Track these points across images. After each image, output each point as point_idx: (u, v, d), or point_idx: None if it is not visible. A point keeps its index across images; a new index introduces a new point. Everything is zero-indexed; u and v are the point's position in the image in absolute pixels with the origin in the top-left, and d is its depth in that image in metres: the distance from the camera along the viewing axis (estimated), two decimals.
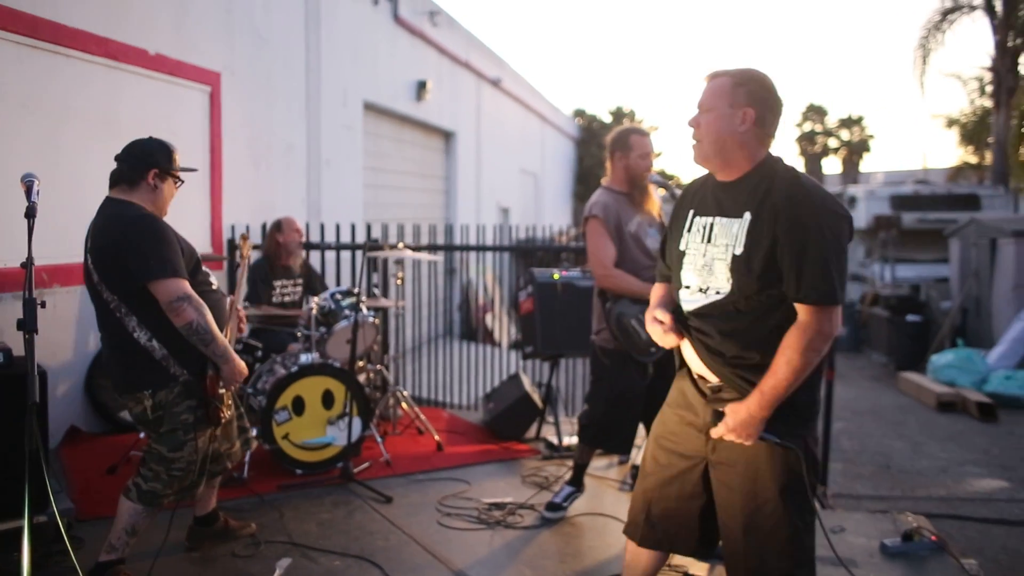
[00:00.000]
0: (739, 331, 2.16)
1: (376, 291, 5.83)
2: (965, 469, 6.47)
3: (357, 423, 4.47)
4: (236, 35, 6.47)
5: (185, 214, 5.71)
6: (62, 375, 4.89)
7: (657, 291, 2.48)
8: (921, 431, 7.84)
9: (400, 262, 5.35)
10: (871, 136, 34.59)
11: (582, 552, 3.62)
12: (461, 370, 7.14)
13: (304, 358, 4.54)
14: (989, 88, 19.53)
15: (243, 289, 3.59)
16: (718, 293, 2.17)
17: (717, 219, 2.20)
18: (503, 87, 15.60)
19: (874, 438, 7.60)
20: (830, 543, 2.70)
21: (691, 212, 2.31)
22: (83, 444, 4.83)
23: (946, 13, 17.76)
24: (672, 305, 2.36)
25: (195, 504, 3.38)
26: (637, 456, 4.60)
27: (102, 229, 2.87)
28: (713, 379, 2.24)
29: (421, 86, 10.66)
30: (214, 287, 3.09)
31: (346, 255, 6.55)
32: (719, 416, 2.19)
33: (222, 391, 2.98)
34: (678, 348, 2.36)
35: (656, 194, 3.91)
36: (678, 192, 2.69)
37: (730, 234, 2.15)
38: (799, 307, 2.07)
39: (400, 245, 5.24)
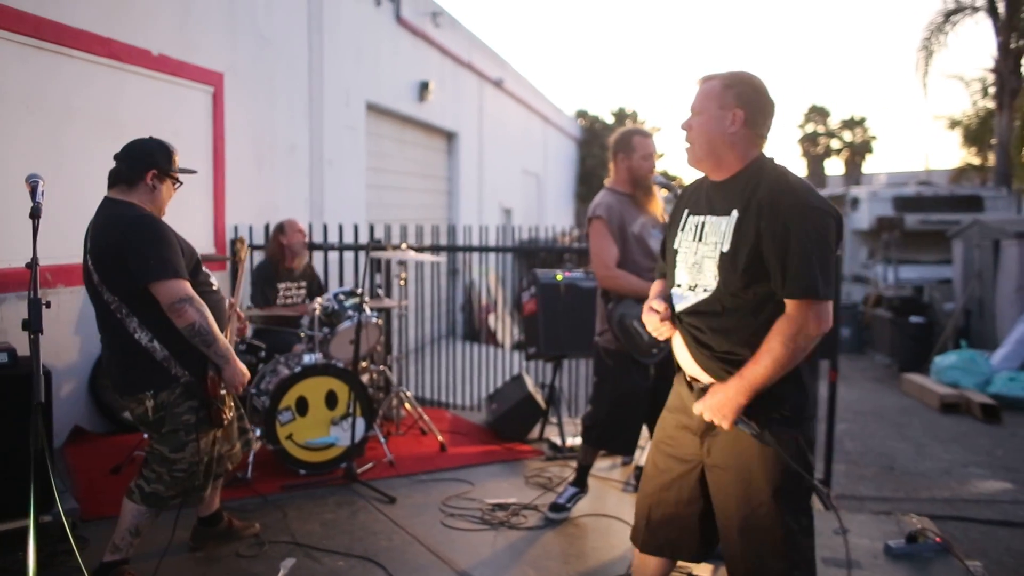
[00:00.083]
0: (727, 328, 2.18)
1: (379, 291, 5.83)
2: (969, 471, 6.46)
3: (360, 423, 4.48)
4: (239, 36, 6.48)
5: (188, 214, 5.72)
6: (66, 375, 4.89)
7: (655, 287, 2.52)
8: (924, 432, 7.83)
9: (403, 263, 5.35)
10: (874, 137, 34.59)
11: (586, 553, 3.62)
12: (464, 371, 7.14)
13: (308, 358, 4.54)
14: (992, 90, 19.50)
15: (242, 291, 3.59)
16: (706, 291, 2.20)
17: (708, 218, 2.24)
18: (505, 88, 15.60)
19: (877, 439, 7.59)
20: (847, 545, 2.70)
21: (686, 212, 2.35)
22: (87, 444, 4.84)
23: (949, 14, 17.73)
24: (668, 300, 2.39)
25: (198, 506, 3.38)
26: (641, 457, 4.60)
27: (102, 230, 2.85)
28: (705, 379, 2.25)
29: (423, 87, 10.67)
30: (214, 288, 3.08)
31: (349, 255, 6.55)
32: (703, 393, 2.22)
33: (223, 392, 2.98)
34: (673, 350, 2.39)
35: (659, 195, 3.91)
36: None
37: (719, 232, 2.18)
38: (787, 302, 2.09)
39: (403, 246, 5.24)
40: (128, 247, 2.77)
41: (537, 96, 19.13)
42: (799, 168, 35.46)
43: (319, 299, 4.84)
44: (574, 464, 4.19)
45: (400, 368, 6.58)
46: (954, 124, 24.30)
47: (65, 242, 4.42)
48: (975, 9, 17.46)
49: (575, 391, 6.86)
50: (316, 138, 7.84)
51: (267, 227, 6.17)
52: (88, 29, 4.84)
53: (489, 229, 7.69)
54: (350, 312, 4.82)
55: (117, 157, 2.95)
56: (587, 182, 25.86)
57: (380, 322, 5.15)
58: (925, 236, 14.64)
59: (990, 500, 5.73)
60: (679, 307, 2.30)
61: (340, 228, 6.24)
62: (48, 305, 2.22)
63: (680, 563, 3.29)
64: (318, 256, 6.23)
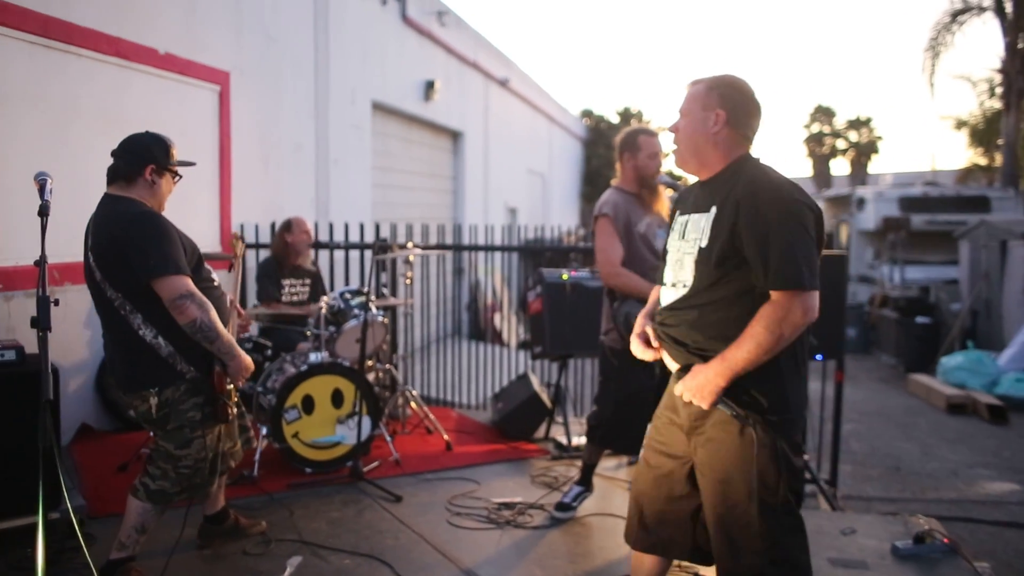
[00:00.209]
0: (703, 324, 2.22)
1: (385, 290, 5.83)
2: (976, 472, 6.43)
3: (366, 422, 4.48)
4: (245, 35, 6.48)
5: (194, 212, 5.73)
6: (74, 373, 4.91)
7: (654, 294, 2.55)
8: (931, 433, 7.80)
9: (408, 261, 5.35)
10: (879, 138, 34.46)
11: (592, 552, 3.61)
12: (470, 370, 7.14)
13: (314, 357, 4.54)
14: (999, 90, 19.42)
15: (239, 288, 3.59)
16: (685, 287, 2.26)
17: (691, 216, 2.31)
18: (511, 87, 15.60)
19: (884, 440, 7.56)
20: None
21: (677, 213, 2.43)
22: (95, 441, 4.85)
23: (956, 15, 17.66)
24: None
25: (204, 503, 3.38)
26: None
27: (103, 226, 2.84)
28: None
29: (429, 86, 10.67)
30: (216, 284, 3.07)
31: (354, 254, 6.56)
32: (684, 374, 2.26)
33: (229, 387, 2.98)
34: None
35: (666, 195, 3.90)
36: None
37: (698, 228, 2.25)
38: (771, 293, 2.11)
39: (409, 244, 5.24)
40: (130, 243, 2.77)
41: (542, 96, 19.12)
42: (804, 168, 35.39)
43: (325, 298, 4.85)
44: (580, 463, 4.19)
45: (406, 367, 6.58)
46: (961, 124, 24.23)
47: (72, 240, 4.41)
48: (982, 9, 17.40)
49: (581, 390, 6.85)
50: (322, 137, 7.84)
51: (273, 225, 6.17)
52: (95, 27, 4.85)
53: (494, 228, 7.68)
54: (356, 311, 4.82)
55: (114, 153, 2.94)
56: (592, 182, 25.84)
57: (386, 321, 5.15)
58: (931, 236, 14.59)
59: (998, 501, 5.71)
60: (662, 304, 2.37)
61: (346, 227, 6.24)
62: (57, 303, 2.23)
63: (685, 564, 3.30)
64: (324, 255, 6.24)
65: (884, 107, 78.58)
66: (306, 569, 3.28)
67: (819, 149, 35.01)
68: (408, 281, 5.36)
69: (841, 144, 35.02)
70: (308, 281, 5.40)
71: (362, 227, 6.39)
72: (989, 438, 7.54)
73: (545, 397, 5.49)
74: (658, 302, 2.44)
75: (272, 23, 6.90)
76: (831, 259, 4.67)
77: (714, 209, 2.21)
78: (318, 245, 5.85)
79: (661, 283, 2.41)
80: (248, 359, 2.98)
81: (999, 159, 19.75)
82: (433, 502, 4.13)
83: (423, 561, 3.43)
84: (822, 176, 33.72)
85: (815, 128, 35.32)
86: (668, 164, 3.99)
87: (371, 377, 5.10)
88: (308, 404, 4.41)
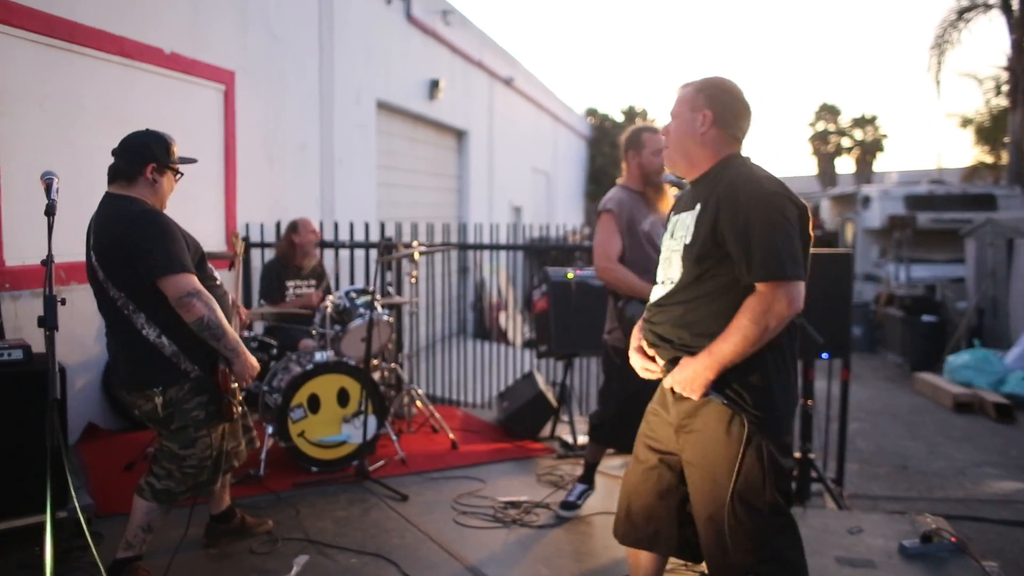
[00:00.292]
0: (687, 320, 2.25)
1: (390, 289, 5.83)
2: (983, 470, 6.41)
3: (372, 421, 4.48)
4: (250, 34, 6.49)
5: (200, 212, 5.74)
6: (80, 372, 4.91)
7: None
8: (937, 432, 7.78)
9: (414, 260, 5.35)
10: (885, 136, 34.29)
11: (597, 550, 3.61)
12: (475, 369, 7.14)
13: (319, 356, 4.54)
14: (1005, 87, 19.33)
15: (241, 286, 3.59)
16: (671, 283, 2.31)
17: (680, 215, 2.36)
18: (515, 86, 15.59)
19: (890, 439, 7.55)
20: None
21: (672, 212, 2.48)
22: (101, 441, 4.86)
23: (962, 12, 17.59)
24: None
25: (209, 502, 3.39)
26: None
27: (105, 226, 2.83)
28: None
29: (434, 85, 10.67)
30: (218, 282, 3.06)
31: (359, 253, 6.56)
32: (672, 366, 2.29)
33: (234, 386, 2.97)
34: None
35: (670, 193, 3.89)
36: None
37: (684, 226, 2.30)
38: (756, 285, 2.12)
39: (414, 243, 5.24)
40: (133, 243, 2.75)
41: (547, 94, 19.11)
42: (809, 166, 35.28)
43: (331, 297, 4.85)
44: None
45: (411, 366, 6.58)
46: (967, 122, 24.13)
47: (78, 239, 4.39)
48: (988, 6, 17.32)
49: (586, 389, 6.85)
50: (327, 136, 7.85)
51: (278, 225, 6.18)
52: (99, 27, 4.85)
53: (499, 227, 7.68)
54: (362, 310, 4.82)
55: (115, 152, 2.93)
56: (597, 180, 25.81)
57: (391, 320, 5.15)
58: (937, 235, 14.54)
59: (1005, 500, 5.69)
60: (650, 301, 2.42)
61: (351, 226, 6.25)
62: (63, 302, 2.23)
63: (691, 564, 3.30)
64: (329, 254, 6.24)
65: (889, 105, 78.28)
66: (312, 568, 3.29)
67: (824, 147, 34.88)
68: (413, 280, 5.37)
69: (846, 142, 34.87)
70: (314, 282, 5.40)
71: (367, 226, 6.40)
72: (996, 437, 7.52)
73: (550, 396, 5.49)
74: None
75: (276, 22, 6.90)
76: (837, 257, 4.66)
77: (698, 207, 2.25)
78: (323, 244, 5.85)
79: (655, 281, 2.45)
80: (253, 359, 2.97)
81: (1005, 157, 19.66)
82: (439, 501, 4.13)
83: (429, 560, 3.43)
84: (827, 174, 33.59)
85: (820, 126, 35.19)
86: None
87: (377, 376, 5.10)
88: (314, 403, 4.42)
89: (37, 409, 3.18)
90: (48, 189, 2.39)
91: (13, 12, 4.26)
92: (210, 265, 3.06)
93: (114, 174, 2.93)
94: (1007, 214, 13.55)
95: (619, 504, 2.50)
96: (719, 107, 2.29)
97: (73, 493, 2.26)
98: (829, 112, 35.27)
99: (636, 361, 2.45)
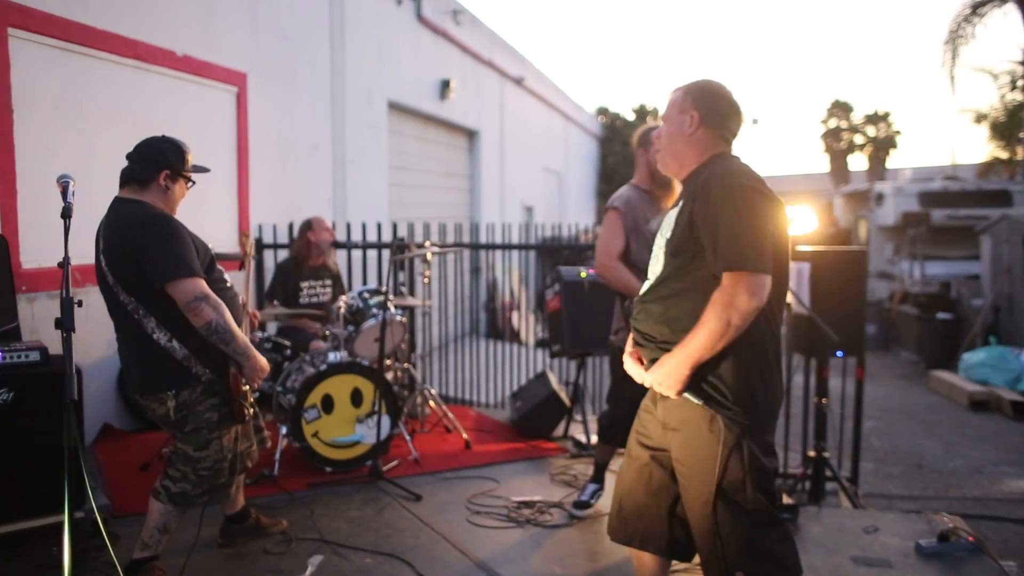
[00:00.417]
0: (667, 317, 2.27)
1: (403, 290, 5.84)
2: (1000, 469, 6.36)
3: (386, 421, 4.49)
4: (261, 36, 6.52)
5: (213, 214, 5.77)
6: (96, 373, 4.95)
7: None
8: (953, 430, 7.72)
9: (426, 260, 5.36)
10: (898, 132, 34.03)
11: (610, 550, 3.60)
12: (488, 368, 7.14)
13: (333, 356, 4.56)
14: (1020, 82, 19.16)
15: (252, 287, 3.60)
16: (655, 278, 2.34)
17: (670, 212, 2.40)
18: (526, 86, 15.58)
19: (905, 437, 7.49)
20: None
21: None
22: (117, 441, 4.89)
23: (976, 6, 17.42)
24: None
25: (225, 502, 3.40)
26: None
27: (115, 230, 2.84)
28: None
29: (445, 85, 10.68)
30: (228, 285, 3.07)
31: (372, 254, 6.57)
32: (652, 364, 2.30)
33: (245, 388, 2.99)
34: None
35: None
36: None
37: (669, 223, 2.34)
38: (722, 276, 2.14)
39: (427, 243, 5.25)
40: (142, 247, 2.76)
41: (558, 94, 19.09)
42: (822, 163, 35.08)
43: (343, 297, 4.86)
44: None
45: (424, 366, 6.59)
46: (981, 118, 23.87)
47: (93, 242, 4.47)
48: (1003, 0, 17.17)
49: (599, 388, 6.84)
50: (338, 137, 7.87)
51: (291, 226, 6.20)
52: (113, 30, 4.89)
53: (511, 227, 7.68)
54: (375, 310, 4.84)
55: (130, 157, 2.94)
56: (608, 179, 25.76)
57: (404, 320, 5.16)
58: (952, 231, 14.41)
59: (1022, 499, 5.64)
60: (638, 297, 2.46)
61: (363, 227, 6.27)
62: (80, 304, 2.24)
63: (696, 563, 3.29)
64: (341, 255, 6.25)
65: (903, 101, 77.83)
66: (327, 568, 3.30)
67: (837, 144, 34.66)
68: (426, 280, 5.38)
69: (859, 139, 34.64)
70: (329, 282, 5.41)
71: (379, 227, 6.42)
72: (1013, 435, 7.45)
73: (564, 395, 5.48)
74: None
75: (288, 23, 6.93)
76: (850, 255, 4.63)
77: (681, 203, 2.31)
78: (336, 245, 5.87)
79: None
80: (263, 360, 2.98)
81: (1021, 152, 19.50)
82: (453, 501, 4.14)
83: (443, 560, 3.43)
84: (840, 172, 33.40)
85: (832, 123, 34.97)
86: None
87: (390, 376, 5.11)
88: (327, 403, 4.43)
89: (54, 410, 3.21)
90: (64, 192, 2.41)
91: (30, 17, 4.30)
92: (220, 267, 3.07)
93: (127, 178, 2.94)
94: (1023, 210, 13.43)
95: (612, 501, 2.52)
96: (705, 108, 2.34)
97: (90, 493, 2.28)
98: (841, 109, 35.03)
99: (630, 366, 2.44)
